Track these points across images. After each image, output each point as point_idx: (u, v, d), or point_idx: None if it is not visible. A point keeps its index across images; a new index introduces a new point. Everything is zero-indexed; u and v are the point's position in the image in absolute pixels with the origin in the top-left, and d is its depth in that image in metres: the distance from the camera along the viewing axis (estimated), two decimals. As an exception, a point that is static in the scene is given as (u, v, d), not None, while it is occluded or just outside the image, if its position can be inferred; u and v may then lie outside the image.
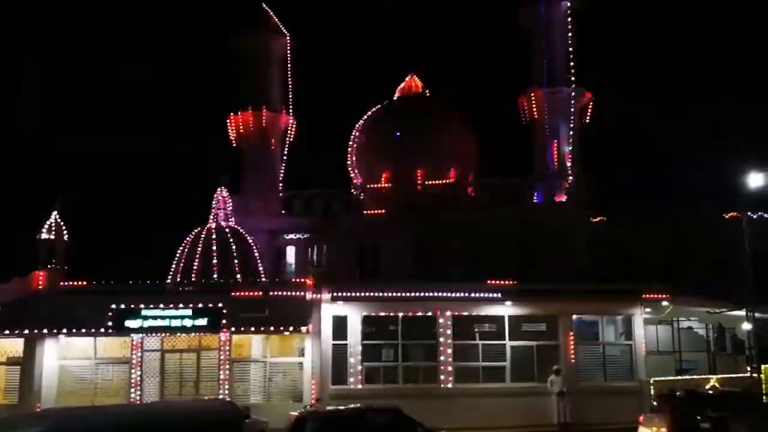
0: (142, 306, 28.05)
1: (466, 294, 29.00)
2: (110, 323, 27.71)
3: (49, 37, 61.30)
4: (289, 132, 43.63)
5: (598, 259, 36.58)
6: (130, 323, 28.11)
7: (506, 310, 29.00)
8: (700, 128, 55.31)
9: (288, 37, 44.31)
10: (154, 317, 28.20)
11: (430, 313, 28.89)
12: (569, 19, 41.04)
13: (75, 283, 29.31)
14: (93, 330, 27.97)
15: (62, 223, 29.94)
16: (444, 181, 40.69)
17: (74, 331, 27.92)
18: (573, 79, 40.62)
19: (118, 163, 57.62)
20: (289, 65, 44.10)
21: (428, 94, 45.61)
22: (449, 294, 28.92)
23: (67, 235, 29.92)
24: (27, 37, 59.70)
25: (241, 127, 42.33)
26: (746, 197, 27.29)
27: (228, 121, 42.81)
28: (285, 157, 43.33)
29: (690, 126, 58.17)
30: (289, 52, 44.34)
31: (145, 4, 62.79)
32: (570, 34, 41.12)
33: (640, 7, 69.05)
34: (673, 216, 38.94)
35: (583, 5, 41.34)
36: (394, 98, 45.52)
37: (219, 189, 36.18)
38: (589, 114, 41.30)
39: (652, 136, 55.36)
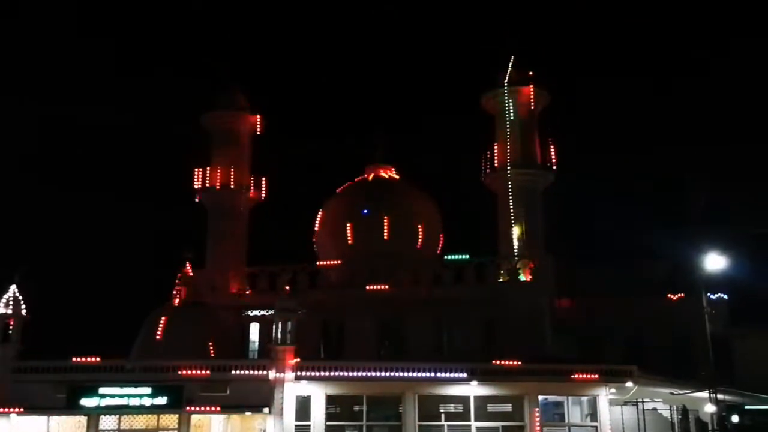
0: (99, 384, 27.33)
1: (432, 374, 28.81)
2: (65, 401, 26.90)
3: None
4: (259, 197, 43.68)
5: (562, 339, 36.79)
6: (86, 401, 27.30)
7: (472, 390, 28.80)
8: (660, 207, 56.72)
9: (257, 116, 44.89)
10: (112, 395, 27.47)
11: (395, 393, 28.57)
12: (532, 105, 42.28)
13: (30, 360, 28.48)
14: (46, 409, 27.11)
15: (21, 298, 29.27)
16: (409, 259, 40.80)
17: (27, 409, 26.98)
18: (538, 159, 41.57)
19: (79, 237, 56.77)
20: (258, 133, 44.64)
21: (395, 174, 46.28)
22: (415, 374, 28.71)
23: (25, 310, 29.19)
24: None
25: (210, 195, 42.27)
26: (704, 280, 27.85)
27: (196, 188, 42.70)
28: (250, 233, 43.29)
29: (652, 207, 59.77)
30: (258, 129, 44.82)
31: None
32: (532, 118, 42.33)
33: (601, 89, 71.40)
34: (633, 298, 39.43)
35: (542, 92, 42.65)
36: (362, 177, 46.03)
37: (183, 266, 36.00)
38: (552, 194, 42.22)
39: (611, 216, 56.51)
